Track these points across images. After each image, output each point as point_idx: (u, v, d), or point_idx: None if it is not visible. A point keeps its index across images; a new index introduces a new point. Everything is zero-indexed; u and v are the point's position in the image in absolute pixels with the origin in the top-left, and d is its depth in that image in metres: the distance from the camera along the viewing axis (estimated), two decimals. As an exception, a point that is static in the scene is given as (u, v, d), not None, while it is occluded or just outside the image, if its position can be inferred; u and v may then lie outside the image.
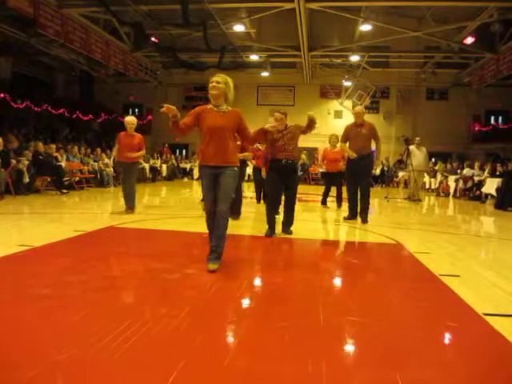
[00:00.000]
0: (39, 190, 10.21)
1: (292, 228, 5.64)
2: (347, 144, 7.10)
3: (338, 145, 8.67)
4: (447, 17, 14.91)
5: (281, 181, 5.43)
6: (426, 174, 15.50)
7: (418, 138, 12.00)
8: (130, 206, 7.10)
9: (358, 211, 6.95)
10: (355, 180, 6.92)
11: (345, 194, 7.95)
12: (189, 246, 4.77)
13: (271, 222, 5.48)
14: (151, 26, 15.39)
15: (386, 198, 11.88)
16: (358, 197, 6.95)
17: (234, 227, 5.96)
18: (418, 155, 11.58)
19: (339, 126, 18.66)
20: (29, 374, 1.82)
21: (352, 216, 7.01)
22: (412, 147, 11.67)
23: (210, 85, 3.73)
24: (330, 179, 9.17)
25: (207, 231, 3.90)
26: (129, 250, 4.52)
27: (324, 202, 9.18)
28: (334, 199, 9.14)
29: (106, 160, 13.77)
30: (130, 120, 7.13)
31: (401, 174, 19.87)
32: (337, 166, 8.86)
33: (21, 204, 8.12)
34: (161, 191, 13.69)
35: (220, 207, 3.64)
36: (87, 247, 4.52)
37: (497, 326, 2.50)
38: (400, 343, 2.31)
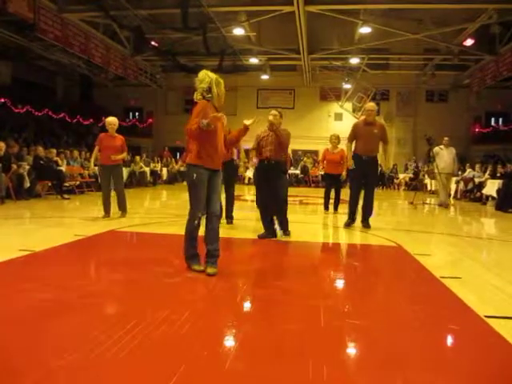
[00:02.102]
0: (40, 194, 10.21)
1: (290, 229, 5.68)
2: (353, 144, 6.57)
3: (340, 146, 8.52)
4: (447, 19, 14.92)
5: (264, 180, 5.51)
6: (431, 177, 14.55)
7: (446, 138, 10.72)
8: (123, 210, 7.02)
9: (359, 216, 6.65)
10: (361, 183, 6.49)
11: (343, 196, 7.86)
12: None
13: (265, 223, 5.58)
14: (151, 30, 15.43)
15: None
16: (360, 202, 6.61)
17: (233, 230, 5.97)
18: (444, 156, 10.53)
19: (339, 128, 18.67)
20: (29, 379, 1.82)
21: (352, 222, 6.63)
22: (436, 148, 10.65)
23: (224, 92, 3.70)
24: (329, 181, 8.79)
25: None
26: (129, 253, 4.52)
27: (326, 207, 8.76)
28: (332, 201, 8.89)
29: (91, 165, 13.40)
30: (112, 120, 6.89)
31: (401, 176, 19.87)
32: (336, 167, 8.45)
33: (22, 209, 8.12)
34: (161, 195, 13.70)
35: (217, 208, 3.67)
36: (88, 251, 4.52)
37: (498, 328, 2.49)
38: (401, 346, 2.30)
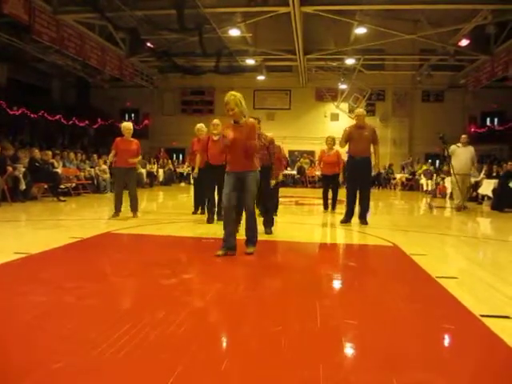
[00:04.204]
0: (36, 196, 10.18)
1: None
2: (346, 147, 7.04)
3: (336, 147, 8.65)
4: (442, 19, 14.99)
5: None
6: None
7: (463, 136, 9.97)
8: (135, 210, 7.30)
9: (356, 214, 6.97)
10: (356, 183, 6.89)
11: (341, 197, 7.96)
12: (186, 251, 4.77)
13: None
14: (147, 31, 15.41)
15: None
16: (357, 201, 6.93)
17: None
18: (460, 156, 9.65)
19: (336, 128, 18.72)
20: (26, 382, 1.81)
21: (348, 219, 6.98)
22: (453, 147, 9.84)
23: (227, 107, 4.38)
24: (326, 182, 9.02)
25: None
26: (125, 255, 4.51)
27: (325, 207, 8.92)
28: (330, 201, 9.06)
29: (103, 166, 13.78)
30: (128, 125, 7.31)
31: (398, 176, 19.92)
32: (333, 168, 8.72)
33: (17, 211, 8.09)
34: (158, 196, 13.68)
35: (247, 204, 4.48)
36: (84, 254, 4.50)
37: (494, 327, 2.50)
38: (397, 346, 2.30)
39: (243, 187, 4.41)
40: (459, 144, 9.82)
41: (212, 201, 6.74)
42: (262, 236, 5.64)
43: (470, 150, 9.77)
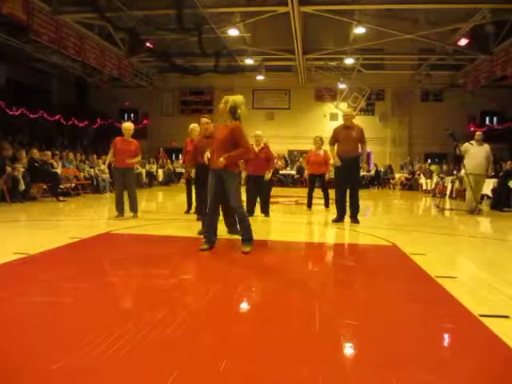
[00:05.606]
0: (35, 197, 10.17)
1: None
2: (335, 146, 7.08)
3: (324, 147, 8.80)
4: (441, 19, 14.99)
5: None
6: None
7: (478, 133, 9.26)
8: (134, 211, 7.28)
9: (348, 213, 7.04)
10: (344, 182, 6.96)
11: (332, 196, 8.00)
12: (185, 252, 4.76)
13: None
14: (146, 31, 15.42)
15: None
16: (347, 199, 7.02)
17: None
18: (474, 154, 8.95)
19: (335, 128, 18.70)
20: (23, 383, 1.81)
21: (340, 218, 7.03)
22: (466, 145, 9.12)
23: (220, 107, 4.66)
24: (312, 182, 9.23)
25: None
26: (125, 256, 4.50)
27: (309, 206, 9.07)
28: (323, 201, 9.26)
29: (103, 166, 13.78)
30: (128, 126, 7.31)
31: (397, 175, 19.93)
32: (319, 168, 8.96)
33: (17, 211, 8.08)
34: (157, 196, 13.68)
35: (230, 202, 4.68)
36: (83, 254, 4.50)
37: (493, 327, 2.50)
38: (396, 345, 2.30)
39: (223, 186, 4.58)
40: (473, 142, 9.15)
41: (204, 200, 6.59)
42: (261, 236, 5.66)
43: (486, 148, 9.06)
